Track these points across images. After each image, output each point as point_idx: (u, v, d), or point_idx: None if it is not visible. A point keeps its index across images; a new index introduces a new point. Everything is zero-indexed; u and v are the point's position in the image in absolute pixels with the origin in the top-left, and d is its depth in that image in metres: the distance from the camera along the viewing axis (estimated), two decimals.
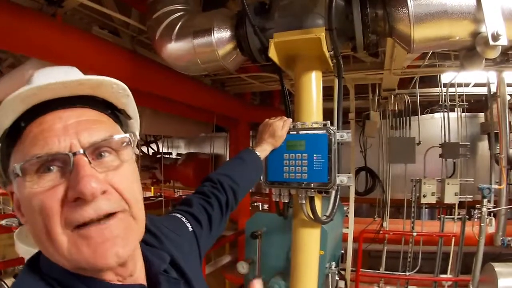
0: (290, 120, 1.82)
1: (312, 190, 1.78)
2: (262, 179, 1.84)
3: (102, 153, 0.68)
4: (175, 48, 2.37)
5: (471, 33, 1.67)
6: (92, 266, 0.64)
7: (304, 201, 1.81)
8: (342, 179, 1.72)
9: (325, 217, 1.89)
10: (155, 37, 2.46)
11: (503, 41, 1.53)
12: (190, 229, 1.09)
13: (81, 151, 0.65)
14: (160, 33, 2.42)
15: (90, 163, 0.65)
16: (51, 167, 0.64)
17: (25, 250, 2.83)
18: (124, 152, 0.72)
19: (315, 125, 1.78)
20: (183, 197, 1.26)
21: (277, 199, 1.92)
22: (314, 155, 1.73)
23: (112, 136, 0.70)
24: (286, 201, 1.90)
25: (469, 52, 1.77)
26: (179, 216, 1.12)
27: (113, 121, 0.76)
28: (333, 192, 1.82)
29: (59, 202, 0.62)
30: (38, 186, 0.63)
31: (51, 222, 0.62)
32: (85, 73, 0.74)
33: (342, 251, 3.98)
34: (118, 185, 0.67)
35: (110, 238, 0.65)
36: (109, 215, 0.65)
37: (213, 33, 2.22)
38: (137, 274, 0.76)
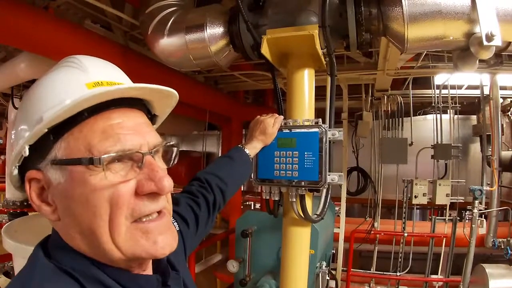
0: (282, 117, 1.79)
1: (303, 188, 1.75)
2: (252, 177, 1.82)
3: (156, 156, 0.74)
4: (167, 44, 2.34)
5: (465, 33, 1.65)
6: (152, 255, 0.70)
7: (294, 199, 1.79)
8: (333, 177, 1.70)
9: (315, 215, 1.87)
10: (147, 32, 2.43)
11: (497, 42, 1.52)
12: (177, 228, 1.08)
13: (148, 151, 0.71)
14: (153, 28, 2.39)
15: None
16: (122, 161, 0.68)
17: (14, 246, 2.78)
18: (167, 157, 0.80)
19: (306, 123, 1.76)
20: (173, 195, 1.26)
21: (267, 197, 1.89)
22: (305, 153, 1.70)
23: (163, 142, 0.76)
24: (277, 199, 1.88)
25: (463, 52, 1.76)
26: None
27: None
28: (324, 191, 1.81)
29: (132, 194, 0.68)
30: (112, 176, 0.66)
31: (119, 212, 0.66)
32: None
33: (333, 251, 3.97)
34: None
35: (165, 231, 0.73)
36: (160, 212, 0.73)
37: (206, 29, 2.19)
38: (149, 268, 0.82)
